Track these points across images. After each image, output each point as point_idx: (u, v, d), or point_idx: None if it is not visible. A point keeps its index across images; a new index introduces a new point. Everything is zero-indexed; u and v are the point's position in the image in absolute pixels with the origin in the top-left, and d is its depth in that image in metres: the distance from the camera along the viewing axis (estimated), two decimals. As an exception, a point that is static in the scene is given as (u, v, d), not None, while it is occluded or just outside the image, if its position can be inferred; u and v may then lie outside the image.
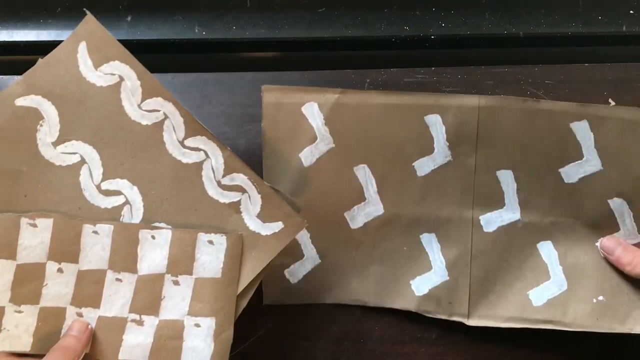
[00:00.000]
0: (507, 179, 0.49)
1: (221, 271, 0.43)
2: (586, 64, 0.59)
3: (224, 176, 0.44)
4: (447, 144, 0.49)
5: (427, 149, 0.49)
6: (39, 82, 0.44)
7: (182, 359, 0.42)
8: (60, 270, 0.42)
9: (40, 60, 0.44)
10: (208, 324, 0.43)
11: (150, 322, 0.43)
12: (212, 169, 0.44)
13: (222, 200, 0.44)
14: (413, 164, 0.50)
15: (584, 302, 0.48)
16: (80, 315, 0.43)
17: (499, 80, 0.57)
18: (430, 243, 0.50)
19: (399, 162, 0.50)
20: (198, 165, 0.44)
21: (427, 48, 0.60)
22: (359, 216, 0.51)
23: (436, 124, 0.49)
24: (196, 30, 0.59)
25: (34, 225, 0.42)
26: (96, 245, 0.43)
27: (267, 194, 0.44)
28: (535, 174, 0.49)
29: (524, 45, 0.60)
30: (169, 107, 0.44)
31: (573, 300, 0.48)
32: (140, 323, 0.43)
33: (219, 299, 0.43)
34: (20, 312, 0.41)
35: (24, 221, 0.42)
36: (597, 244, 0.49)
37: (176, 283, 0.43)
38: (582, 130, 0.48)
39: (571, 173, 0.49)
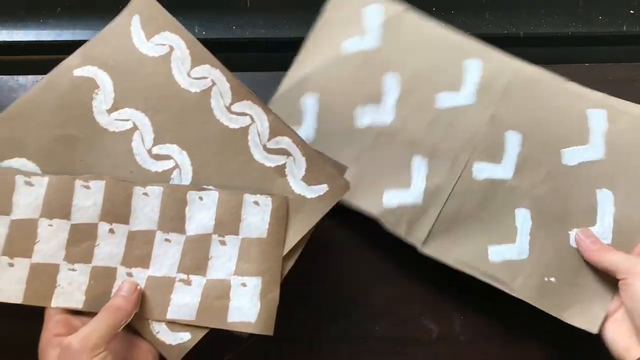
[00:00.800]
0: (513, 140, 0.51)
1: (267, 232, 0.44)
2: (586, 64, 0.59)
3: (269, 140, 0.45)
4: (476, 88, 0.52)
5: (454, 86, 0.52)
6: (95, 54, 0.46)
7: (228, 318, 0.43)
8: (111, 231, 0.44)
9: (98, 34, 0.46)
10: (254, 283, 0.43)
11: (198, 282, 0.43)
12: (258, 133, 0.45)
13: (267, 164, 0.45)
14: (436, 94, 0.52)
15: (535, 277, 0.49)
16: (130, 275, 0.43)
17: (499, 80, 0.57)
18: (419, 166, 0.51)
19: (426, 87, 0.52)
20: (244, 130, 0.45)
21: (427, 48, 0.60)
22: (367, 117, 0.52)
23: (474, 69, 0.52)
24: (196, 30, 0.59)
25: (87, 187, 0.44)
26: (146, 206, 0.44)
27: (311, 157, 0.45)
28: (540, 146, 0.50)
29: (524, 45, 0.60)
30: (216, 74, 0.45)
31: (527, 270, 0.49)
32: (188, 283, 0.43)
33: (265, 259, 0.43)
34: (73, 270, 0.43)
35: (78, 183, 0.44)
36: (571, 232, 0.49)
37: (223, 243, 0.44)
38: (597, 118, 0.50)
39: (572, 156, 0.50)
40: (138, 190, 0.44)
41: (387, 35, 0.53)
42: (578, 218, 0.49)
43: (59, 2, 0.59)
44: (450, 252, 0.49)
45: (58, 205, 0.43)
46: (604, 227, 0.49)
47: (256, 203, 0.44)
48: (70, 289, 0.43)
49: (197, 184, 0.45)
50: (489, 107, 0.51)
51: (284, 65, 0.58)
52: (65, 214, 0.43)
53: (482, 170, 0.50)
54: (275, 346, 0.51)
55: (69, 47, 0.58)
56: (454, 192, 0.50)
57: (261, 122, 0.45)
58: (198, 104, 0.45)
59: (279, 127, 0.45)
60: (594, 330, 0.47)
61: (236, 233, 0.44)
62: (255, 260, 0.44)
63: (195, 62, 0.46)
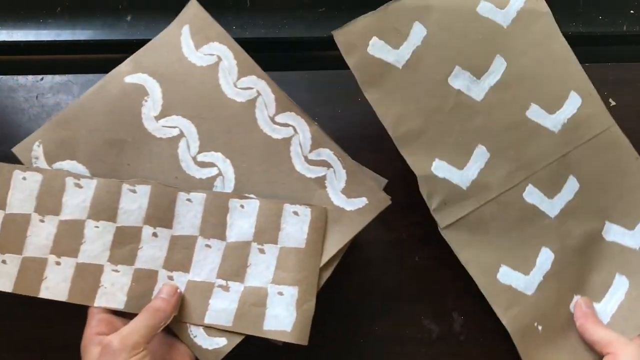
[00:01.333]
0: (571, 186, 0.51)
1: (305, 242, 0.45)
2: (586, 64, 0.59)
3: (310, 151, 0.46)
4: (565, 122, 0.51)
5: (550, 107, 0.51)
6: (145, 61, 0.47)
7: (264, 325, 0.44)
8: (155, 235, 0.45)
9: (148, 42, 0.48)
10: (291, 292, 0.44)
11: (236, 288, 0.44)
12: (300, 144, 0.46)
13: (308, 175, 0.46)
14: (531, 103, 0.51)
15: (528, 316, 0.49)
16: (171, 278, 0.45)
17: (499, 80, 0.57)
18: (480, 156, 0.49)
19: (526, 91, 0.51)
20: (287, 141, 0.46)
21: (427, 48, 0.60)
22: (461, 81, 0.50)
23: (574, 103, 0.51)
24: (196, 30, 0.59)
25: (134, 191, 0.45)
26: (189, 212, 0.45)
27: (352, 170, 0.46)
28: (592, 207, 0.51)
29: (524, 45, 0.60)
30: (261, 85, 0.47)
31: (524, 306, 0.48)
32: (226, 289, 0.44)
33: (303, 269, 0.44)
34: (117, 271, 0.44)
35: (125, 187, 0.45)
36: (576, 297, 0.50)
37: (262, 251, 0.45)
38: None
39: (613, 232, 0.51)
40: (182, 196, 0.46)
41: (520, 21, 0.51)
42: (589, 288, 0.50)
43: (59, 2, 0.59)
44: (466, 249, 0.49)
45: (105, 208, 0.45)
46: (606, 308, 0.50)
47: (295, 213, 0.45)
48: (113, 289, 0.44)
49: (239, 192, 0.46)
50: (567, 145, 0.51)
51: (284, 65, 0.58)
52: (111, 216, 0.45)
53: (533, 195, 0.50)
54: (275, 346, 0.51)
55: (69, 47, 0.59)
56: (499, 198, 0.49)
57: (303, 134, 0.46)
58: (243, 113, 0.47)
59: (320, 138, 0.47)
60: None
61: (275, 242, 0.45)
62: (292, 269, 0.44)
63: (242, 73, 0.47)
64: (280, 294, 0.44)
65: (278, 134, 0.47)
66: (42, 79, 0.57)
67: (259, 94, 0.47)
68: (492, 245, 0.49)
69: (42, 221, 0.45)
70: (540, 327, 0.49)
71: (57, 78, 0.57)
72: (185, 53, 0.48)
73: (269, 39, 0.59)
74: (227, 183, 0.46)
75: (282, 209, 0.45)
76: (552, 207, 0.50)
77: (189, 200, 0.46)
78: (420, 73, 0.49)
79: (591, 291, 0.50)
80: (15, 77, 0.57)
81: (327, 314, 0.52)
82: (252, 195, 0.46)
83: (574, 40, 0.60)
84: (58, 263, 0.44)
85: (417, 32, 0.48)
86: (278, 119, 0.47)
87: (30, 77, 0.57)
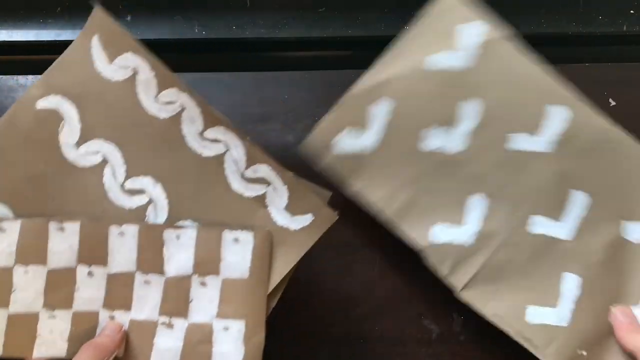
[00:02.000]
0: (579, 200, 0.48)
1: (249, 271, 0.42)
2: (586, 64, 0.59)
3: (246, 168, 0.43)
4: (558, 137, 0.49)
5: (532, 129, 0.49)
6: (56, 81, 0.43)
7: None
8: (90, 274, 0.42)
9: (56, 60, 0.43)
10: (238, 327, 0.41)
11: (180, 325, 0.42)
12: (234, 161, 0.43)
13: (246, 194, 0.43)
14: (511, 134, 0.49)
15: (570, 348, 0.47)
16: (112, 318, 0.42)
17: (499, 80, 0.57)
18: (478, 205, 0.48)
19: (502, 124, 0.49)
20: (219, 158, 0.43)
21: (427, 48, 0.60)
22: (436, 140, 0.49)
23: (557, 116, 0.49)
24: (196, 30, 0.59)
25: (62, 230, 0.42)
26: (123, 247, 0.42)
27: (292, 185, 0.43)
28: (606, 213, 0.48)
29: (524, 45, 0.60)
30: (184, 98, 0.42)
31: (563, 338, 0.47)
32: (170, 326, 0.42)
33: (248, 300, 0.42)
34: (54, 317, 0.41)
35: (53, 225, 0.42)
36: (614, 308, 0.47)
37: (203, 284, 0.42)
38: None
39: (636, 231, 0.48)
40: (114, 230, 0.42)
41: (481, 58, 0.49)
42: (628, 297, 0.47)
43: (59, 2, 0.59)
44: (489, 303, 0.47)
45: (33, 251, 0.41)
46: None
47: (236, 240, 0.42)
48: (52, 337, 0.41)
49: (175, 219, 0.43)
50: (563, 161, 0.48)
51: (284, 65, 0.58)
52: (41, 260, 0.41)
53: (538, 225, 0.48)
54: (275, 346, 0.51)
55: (69, 47, 0.59)
56: (507, 240, 0.47)
57: (236, 149, 0.43)
58: (168, 131, 0.42)
59: (255, 153, 0.43)
60: None
61: (216, 273, 0.42)
62: (237, 301, 0.42)
63: (162, 85, 0.42)
64: (227, 329, 0.41)
65: (209, 150, 0.43)
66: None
67: (183, 107, 0.42)
68: (514, 290, 0.47)
69: None
70: (584, 353, 0.46)
71: (57, 78, 0.57)
72: (98, 68, 0.42)
73: (269, 39, 0.59)
74: (160, 211, 0.43)
75: (221, 237, 0.42)
76: (563, 228, 0.48)
77: (121, 233, 0.42)
78: (394, 148, 0.48)
79: (630, 297, 0.47)
80: (15, 77, 0.57)
81: (328, 313, 0.52)
82: (187, 224, 0.42)
83: (574, 40, 0.60)
84: None
85: (382, 109, 0.48)
86: (207, 134, 0.43)
87: (30, 77, 0.57)
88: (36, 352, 0.41)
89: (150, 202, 0.43)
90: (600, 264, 0.47)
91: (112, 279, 0.42)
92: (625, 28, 0.60)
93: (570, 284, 0.48)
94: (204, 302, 0.42)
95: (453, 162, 0.48)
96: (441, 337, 0.52)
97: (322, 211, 0.43)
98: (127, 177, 0.42)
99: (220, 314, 0.42)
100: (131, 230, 0.42)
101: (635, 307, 0.47)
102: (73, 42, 0.43)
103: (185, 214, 0.42)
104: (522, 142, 0.48)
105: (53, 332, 0.41)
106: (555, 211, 0.48)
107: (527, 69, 0.49)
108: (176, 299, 0.42)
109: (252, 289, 0.42)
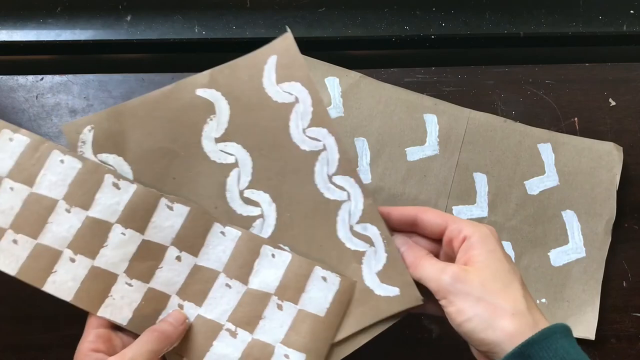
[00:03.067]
0: (481, 181, 0.55)
1: (326, 311, 0.42)
2: (586, 64, 0.59)
3: (358, 222, 0.44)
4: (438, 140, 0.56)
5: (420, 140, 0.56)
6: (222, 79, 0.45)
7: None
8: (178, 258, 0.43)
9: (231, 61, 0.45)
10: (298, 358, 0.42)
11: (243, 337, 0.42)
12: (350, 212, 0.44)
13: (348, 245, 0.44)
14: (405, 149, 0.55)
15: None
16: (181, 307, 0.42)
17: (499, 80, 0.57)
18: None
19: (394, 144, 0.55)
20: (337, 204, 0.44)
21: (427, 48, 0.60)
22: None
23: (432, 123, 0.56)
24: (196, 30, 0.59)
25: (171, 209, 0.43)
26: (219, 245, 0.43)
27: (393, 256, 0.43)
28: (505, 181, 0.55)
29: (524, 45, 0.60)
30: (330, 141, 0.44)
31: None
32: (234, 334, 0.42)
33: (316, 338, 0.42)
34: (130, 285, 0.42)
35: (163, 201, 0.43)
36: (550, 253, 0.53)
37: (280, 307, 0.43)
38: (546, 151, 0.55)
39: (534, 186, 0.55)
40: (217, 227, 0.43)
41: (347, 104, 0.56)
42: (552, 239, 0.54)
43: (59, 2, 0.59)
44: None
45: (137, 217, 0.42)
46: (576, 243, 0.54)
47: (324, 279, 0.43)
48: (121, 303, 0.42)
49: (275, 240, 0.44)
50: (453, 155, 0.55)
51: (284, 65, 0.58)
52: (141, 227, 0.42)
53: (460, 212, 0.54)
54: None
55: (69, 47, 0.59)
56: None
57: (356, 203, 0.44)
58: (303, 162, 0.44)
59: (371, 214, 0.44)
60: (591, 336, 0.51)
61: (296, 302, 0.43)
62: (305, 335, 0.42)
63: (315, 122, 0.44)
64: (287, 356, 0.42)
65: (331, 194, 0.44)
66: (42, 79, 0.57)
67: (324, 148, 0.44)
68: None
69: (68, 211, 0.42)
70: (543, 300, 0.53)
71: (57, 78, 0.57)
72: (264, 83, 0.45)
73: (269, 39, 0.59)
74: (266, 228, 0.44)
75: (311, 271, 0.43)
76: (479, 208, 0.55)
77: (222, 233, 0.43)
78: None
79: (556, 240, 0.54)
80: (15, 77, 0.57)
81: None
82: (286, 248, 0.44)
83: (574, 40, 0.60)
84: (72, 260, 0.41)
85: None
86: (336, 179, 0.44)
87: (30, 77, 0.57)
88: (101, 311, 0.41)
89: (260, 216, 0.44)
90: (518, 224, 0.54)
91: (196, 270, 0.43)
92: (625, 28, 0.60)
93: (506, 250, 0.49)
94: (275, 324, 0.42)
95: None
96: (441, 337, 0.52)
97: (410, 291, 0.43)
98: (248, 187, 0.44)
99: (286, 341, 0.42)
100: (233, 233, 0.43)
101: (566, 245, 0.53)
102: (253, 52, 0.45)
103: (287, 240, 0.44)
104: (416, 152, 0.55)
105: (124, 298, 0.42)
106: (468, 196, 0.55)
107: (391, 94, 0.56)
108: (249, 311, 0.43)
109: (324, 329, 0.42)
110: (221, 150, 0.44)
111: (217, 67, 0.45)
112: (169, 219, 0.43)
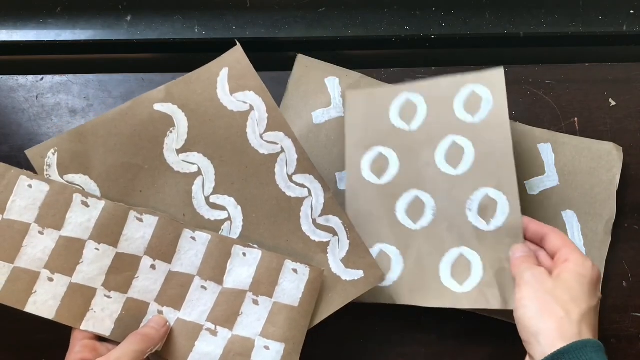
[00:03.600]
0: None
1: (299, 301, 0.45)
2: (586, 64, 0.59)
3: (320, 215, 0.47)
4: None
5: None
6: (178, 93, 0.47)
7: None
8: (153, 267, 0.45)
9: (185, 75, 0.48)
10: (277, 348, 0.44)
11: (224, 335, 0.44)
12: (312, 207, 0.47)
13: (313, 238, 0.47)
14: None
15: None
16: (161, 312, 0.44)
17: (499, 80, 0.57)
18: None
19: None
20: (299, 201, 0.47)
21: (427, 48, 0.60)
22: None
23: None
24: (196, 30, 0.59)
25: (140, 220, 0.45)
26: (191, 250, 0.45)
27: (355, 242, 0.46)
28: None
29: (524, 45, 0.60)
30: (287, 143, 0.47)
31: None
32: (214, 333, 0.44)
33: (292, 327, 0.44)
34: (109, 297, 0.44)
35: (132, 214, 0.45)
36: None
37: (256, 302, 0.45)
38: (546, 151, 0.55)
39: (534, 186, 0.55)
40: (187, 233, 0.45)
41: (346, 106, 0.55)
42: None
43: (59, 2, 0.59)
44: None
45: (108, 231, 0.44)
46: (576, 243, 0.52)
47: (295, 271, 0.45)
48: (102, 315, 0.43)
49: (244, 240, 0.46)
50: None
51: (284, 65, 0.58)
52: (114, 241, 0.44)
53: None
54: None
55: (69, 47, 0.59)
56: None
57: (317, 198, 0.47)
58: (263, 165, 0.47)
59: (332, 206, 0.47)
60: None
61: (270, 295, 0.45)
62: (282, 326, 0.44)
63: (271, 127, 0.47)
64: (267, 348, 0.44)
65: (292, 192, 0.47)
66: (42, 79, 0.57)
67: (282, 150, 0.47)
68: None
69: (41, 233, 0.43)
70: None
71: (57, 78, 0.57)
72: (218, 94, 0.47)
73: (269, 39, 0.59)
74: (234, 229, 0.46)
75: (282, 264, 0.45)
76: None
77: (193, 238, 0.45)
78: None
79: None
80: (15, 77, 0.57)
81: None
82: (255, 246, 0.46)
83: (574, 40, 0.60)
84: (51, 279, 0.43)
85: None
86: (296, 178, 0.47)
87: (30, 77, 0.57)
88: (84, 325, 0.43)
89: (228, 219, 0.46)
90: None
91: (171, 276, 0.45)
92: (625, 28, 0.60)
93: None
94: (252, 318, 0.45)
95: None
96: (441, 337, 0.52)
97: (374, 271, 0.46)
98: (213, 192, 0.46)
99: (264, 333, 0.44)
100: (203, 238, 0.45)
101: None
102: (205, 66, 0.48)
103: (255, 238, 0.46)
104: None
105: (105, 310, 0.43)
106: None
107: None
108: (226, 310, 0.45)
109: (299, 317, 0.45)
110: (183, 161, 0.46)
111: (171, 82, 0.47)
112: (139, 230, 0.45)
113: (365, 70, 0.57)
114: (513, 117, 0.56)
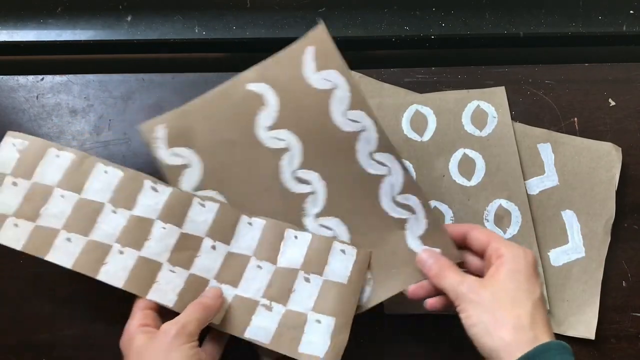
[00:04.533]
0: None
1: (347, 279, 0.48)
2: (586, 64, 0.59)
3: (399, 193, 0.49)
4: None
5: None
6: (268, 73, 0.50)
7: (299, 348, 0.46)
8: (213, 247, 0.48)
9: (274, 55, 0.50)
10: (328, 322, 0.47)
11: (278, 310, 0.47)
12: (392, 184, 0.49)
13: (391, 214, 0.49)
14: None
15: None
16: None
17: (499, 80, 0.57)
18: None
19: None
20: (379, 178, 0.49)
21: (427, 48, 0.60)
22: None
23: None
24: (196, 30, 0.59)
25: (203, 206, 0.49)
26: (248, 234, 0.49)
27: (433, 221, 0.48)
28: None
29: (524, 45, 0.60)
30: (368, 122, 0.48)
31: None
32: (269, 308, 0.47)
33: (342, 302, 0.47)
34: (173, 272, 0.47)
35: (196, 200, 0.49)
36: (550, 253, 0.53)
37: (307, 280, 0.48)
38: (546, 151, 0.55)
39: (533, 185, 0.55)
40: (244, 219, 0.49)
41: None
42: (551, 239, 0.54)
43: (59, 2, 0.59)
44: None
45: (174, 213, 0.48)
46: (575, 243, 0.54)
47: (343, 251, 0.48)
48: (167, 287, 0.46)
49: (326, 212, 0.49)
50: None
51: (284, 65, 0.58)
52: (179, 222, 0.48)
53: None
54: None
55: (69, 47, 0.59)
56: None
57: (396, 176, 0.48)
58: (346, 143, 0.49)
59: (411, 186, 0.49)
60: (591, 336, 0.51)
61: (320, 274, 0.48)
62: (332, 301, 0.47)
63: (353, 105, 0.48)
64: (319, 322, 0.47)
65: (373, 169, 0.49)
66: (42, 79, 0.57)
67: (364, 129, 0.48)
68: None
69: (114, 212, 0.47)
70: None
71: (58, 78, 0.57)
72: (304, 73, 0.49)
73: (269, 39, 0.59)
74: (318, 202, 0.49)
75: (331, 246, 0.48)
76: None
77: (249, 223, 0.49)
78: None
79: (555, 240, 0.54)
80: (15, 77, 0.57)
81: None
82: (306, 230, 0.49)
83: (574, 40, 0.60)
84: (121, 252, 0.46)
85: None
86: (376, 156, 0.49)
87: (30, 77, 0.57)
88: (150, 295, 0.46)
89: (312, 193, 0.49)
90: None
91: (229, 257, 0.48)
92: (625, 28, 0.60)
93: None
94: (304, 295, 0.48)
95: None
96: (441, 337, 0.52)
97: (450, 250, 0.48)
98: (300, 167, 0.49)
99: (316, 308, 0.47)
100: (259, 223, 0.49)
101: (565, 245, 0.53)
102: (291, 45, 0.49)
103: (336, 212, 0.49)
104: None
105: (169, 283, 0.46)
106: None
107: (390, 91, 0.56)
108: (280, 287, 0.48)
109: (347, 294, 0.47)
110: (274, 137, 0.49)
111: (261, 63, 0.50)
112: (202, 214, 0.48)
113: (365, 70, 0.57)
114: (513, 117, 0.56)
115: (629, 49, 0.62)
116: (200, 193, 0.49)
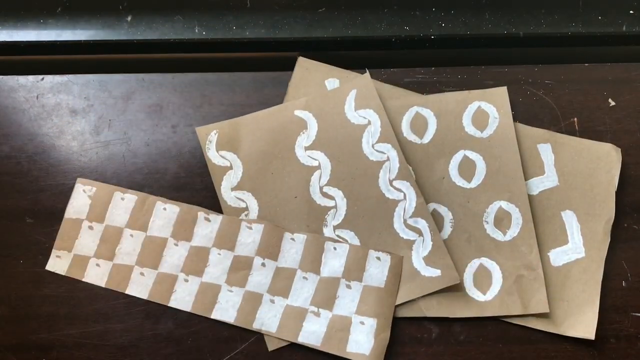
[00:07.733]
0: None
1: (384, 282, 0.53)
2: (586, 64, 0.59)
3: (410, 217, 0.54)
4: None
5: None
6: (314, 105, 0.57)
7: (347, 348, 0.51)
8: (263, 265, 0.53)
9: (323, 91, 0.58)
10: (371, 323, 0.51)
11: (326, 315, 0.52)
12: (405, 209, 0.54)
13: (401, 235, 0.54)
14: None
15: None
16: (272, 301, 0.53)
17: (499, 80, 0.57)
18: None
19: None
20: (395, 202, 0.54)
21: (427, 48, 0.60)
22: None
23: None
24: (196, 30, 0.59)
25: (250, 228, 0.54)
26: (292, 249, 0.54)
27: (438, 244, 0.53)
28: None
29: (524, 45, 0.60)
30: (393, 153, 0.55)
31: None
32: (317, 314, 0.52)
33: (381, 304, 0.52)
34: (231, 291, 0.53)
35: (244, 224, 0.54)
36: (549, 253, 0.53)
37: (349, 287, 0.53)
38: (545, 151, 0.56)
39: (533, 186, 0.55)
40: (287, 235, 0.54)
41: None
42: (551, 239, 0.54)
43: (59, 2, 0.59)
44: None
45: (226, 239, 0.54)
46: (575, 243, 0.54)
47: (378, 258, 0.53)
48: (227, 305, 0.53)
49: (345, 227, 0.55)
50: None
51: (284, 65, 0.58)
52: (231, 247, 0.54)
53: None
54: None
55: (69, 47, 0.59)
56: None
57: (410, 202, 0.54)
58: (370, 169, 0.55)
59: (422, 211, 0.54)
60: (590, 336, 0.51)
61: (360, 280, 0.53)
62: (373, 304, 0.52)
63: (382, 139, 0.56)
64: (362, 323, 0.51)
65: (391, 194, 0.55)
66: (42, 79, 0.57)
67: (388, 159, 0.55)
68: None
69: (176, 245, 0.54)
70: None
71: (58, 78, 0.57)
72: (345, 110, 0.57)
73: (269, 39, 0.59)
74: (338, 217, 0.55)
75: (367, 254, 0.53)
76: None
77: (292, 239, 0.54)
78: None
79: (556, 240, 0.54)
80: (15, 77, 0.57)
81: (327, 313, 0.52)
82: (345, 240, 0.54)
83: (574, 40, 0.60)
84: (186, 280, 0.53)
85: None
86: (395, 183, 0.55)
87: (30, 77, 0.57)
88: (213, 314, 0.52)
89: (334, 207, 0.55)
90: None
91: (278, 271, 0.53)
92: (625, 28, 0.60)
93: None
94: (347, 300, 0.52)
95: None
96: (441, 337, 0.52)
97: (450, 272, 0.53)
98: (327, 184, 0.56)
99: (359, 311, 0.52)
100: (301, 238, 0.54)
101: (565, 246, 0.54)
102: (338, 87, 0.58)
103: (353, 227, 0.55)
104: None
105: (228, 302, 0.53)
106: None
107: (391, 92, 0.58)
108: (325, 295, 0.53)
109: (386, 296, 0.52)
110: (309, 156, 0.56)
111: (311, 96, 0.57)
112: (250, 236, 0.54)
113: (365, 71, 0.57)
114: (513, 117, 0.56)
115: (628, 49, 0.62)
116: (244, 218, 0.55)
